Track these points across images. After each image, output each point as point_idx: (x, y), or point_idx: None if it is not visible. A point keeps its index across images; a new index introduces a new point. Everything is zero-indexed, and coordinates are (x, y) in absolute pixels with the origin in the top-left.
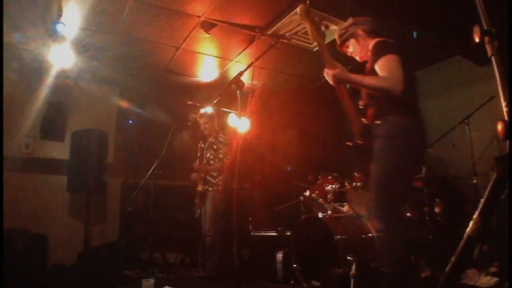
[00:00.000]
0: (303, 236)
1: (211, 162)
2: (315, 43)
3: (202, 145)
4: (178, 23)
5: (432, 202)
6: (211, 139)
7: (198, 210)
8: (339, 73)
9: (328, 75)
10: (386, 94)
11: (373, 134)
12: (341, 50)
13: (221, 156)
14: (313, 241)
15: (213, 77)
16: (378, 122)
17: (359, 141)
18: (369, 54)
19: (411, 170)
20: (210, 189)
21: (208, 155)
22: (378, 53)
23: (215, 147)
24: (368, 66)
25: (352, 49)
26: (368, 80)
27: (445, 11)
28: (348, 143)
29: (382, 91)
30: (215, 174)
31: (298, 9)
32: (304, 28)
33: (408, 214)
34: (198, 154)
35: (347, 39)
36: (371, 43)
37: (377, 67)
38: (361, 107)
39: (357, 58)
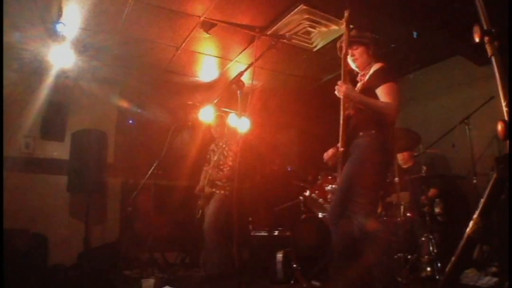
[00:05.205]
0: (303, 236)
1: (221, 167)
2: (317, 45)
3: (215, 149)
4: (178, 23)
5: (432, 202)
6: (221, 144)
7: (200, 211)
8: (350, 90)
9: (340, 87)
10: (384, 116)
11: (354, 143)
12: (341, 48)
13: (231, 163)
14: (313, 241)
15: (213, 77)
16: (361, 133)
17: (342, 147)
18: (370, 73)
19: (380, 175)
20: (217, 192)
21: (215, 158)
22: (384, 78)
23: (225, 153)
24: (365, 82)
25: (358, 55)
26: (374, 102)
27: (445, 11)
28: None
29: (383, 114)
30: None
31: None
32: (304, 28)
33: (408, 214)
34: (208, 157)
35: (360, 44)
36: (377, 64)
37: (380, 90)
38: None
39: (354, 65)
